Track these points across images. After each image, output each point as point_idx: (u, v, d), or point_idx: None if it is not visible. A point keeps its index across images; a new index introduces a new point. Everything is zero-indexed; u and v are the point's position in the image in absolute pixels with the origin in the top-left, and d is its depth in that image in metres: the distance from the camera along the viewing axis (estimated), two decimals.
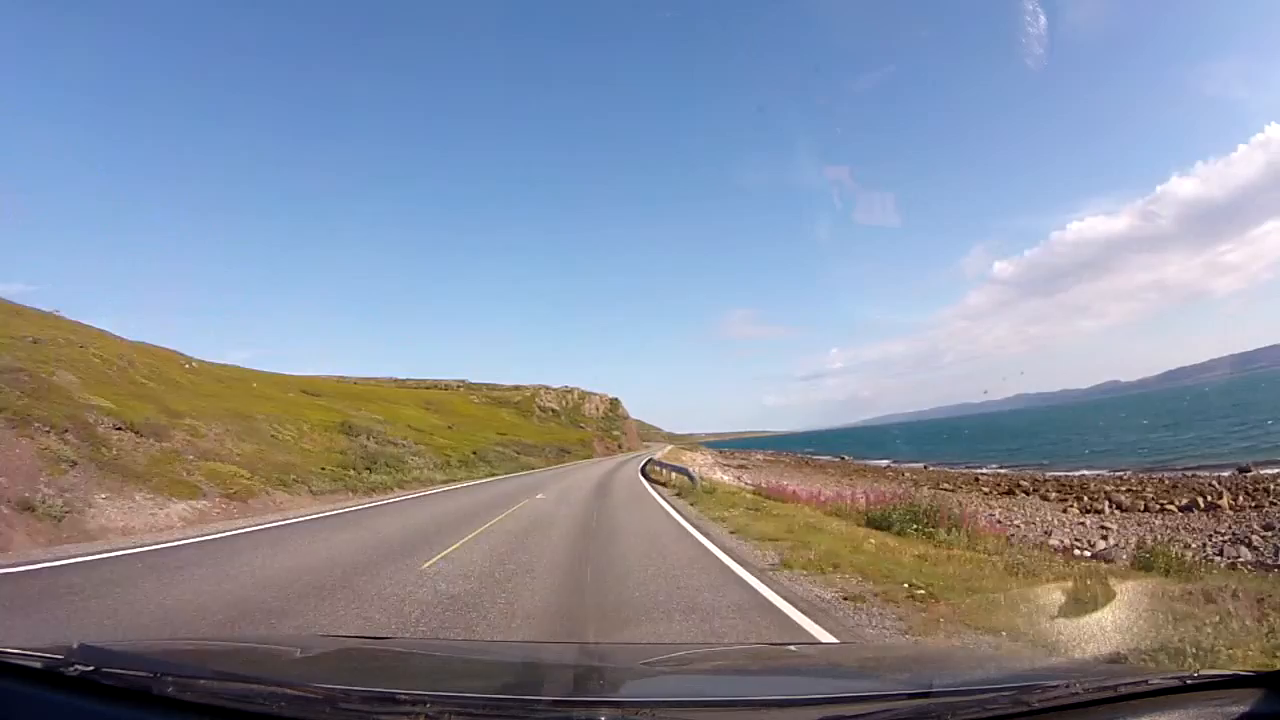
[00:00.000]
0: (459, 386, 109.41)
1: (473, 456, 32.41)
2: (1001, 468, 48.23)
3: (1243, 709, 1.33)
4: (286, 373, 64.82)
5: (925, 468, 54.11)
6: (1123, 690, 1.39)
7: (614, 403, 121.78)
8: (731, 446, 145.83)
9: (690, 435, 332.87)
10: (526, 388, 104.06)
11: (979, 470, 48.31)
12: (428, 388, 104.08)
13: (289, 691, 1.34)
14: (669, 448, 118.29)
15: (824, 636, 5.37)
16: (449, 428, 56.36)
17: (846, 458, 78.91)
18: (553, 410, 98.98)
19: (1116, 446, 53.98)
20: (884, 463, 65.71)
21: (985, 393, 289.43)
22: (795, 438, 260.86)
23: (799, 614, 6.10)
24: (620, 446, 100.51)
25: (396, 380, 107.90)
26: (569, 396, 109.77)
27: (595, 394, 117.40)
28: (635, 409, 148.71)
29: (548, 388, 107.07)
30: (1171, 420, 72.09)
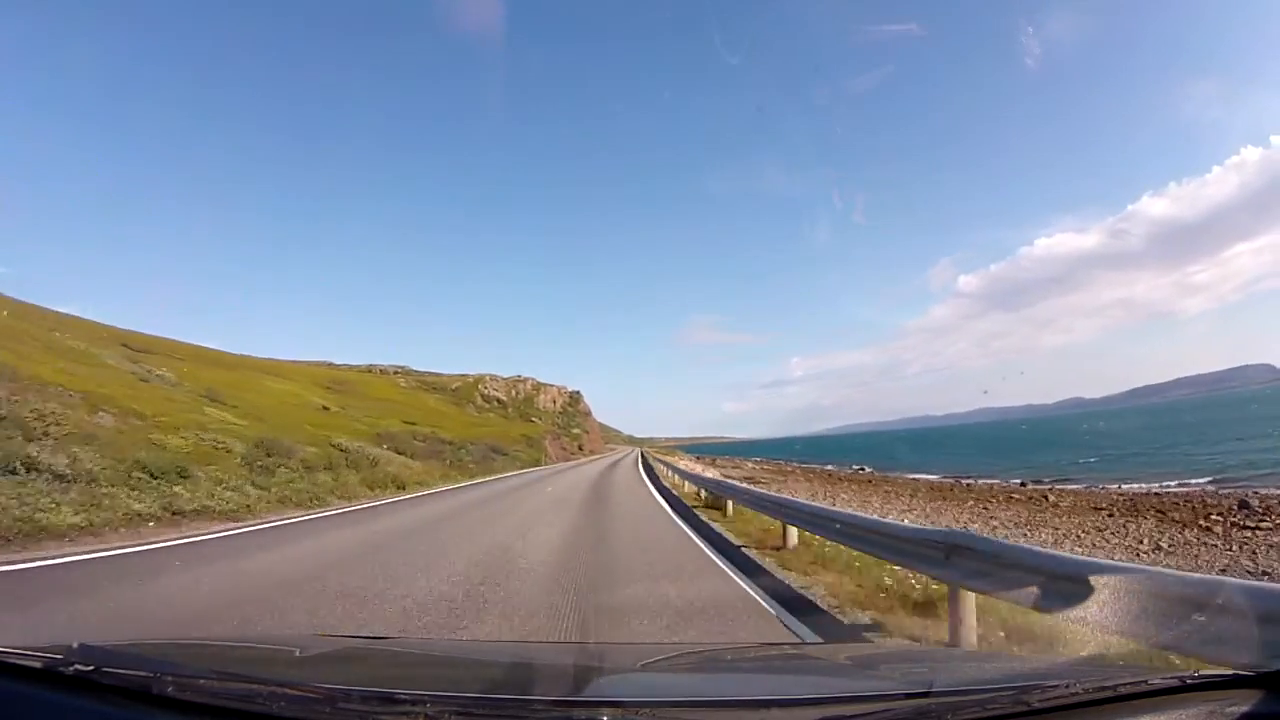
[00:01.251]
0: (395, 371, 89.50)
1: (253, 453, 13.83)
2: (1164, 486, 31.56)
3: (1243, 709, 1.31)
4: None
5: (1024, 484, 37.22)
6: (1123, 690, 1.36)
7: (574, 397, 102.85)
8: (698, 451, 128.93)
9: (652, 439, 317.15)
10: (470, 375, 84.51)
11: (1123, 487, 31.68)
12: (363, 371, 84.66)
13: (289, 691, 1.30)
14: (636, 450, 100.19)
15: None
16: (324, 409, 37.06)
17: (867, 468, 61.95)
18: (498, 401, 79.76)
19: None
20: (931, 477, 48.88)
21: (985, 393, 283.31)
22: (758, 445, 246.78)
23: None
24: (581, 448, 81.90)
25: (331, 364, 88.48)
26: (520, 386, 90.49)
27: (552, 386, 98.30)
28: (596, 411, 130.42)
29: (495, 376, 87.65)
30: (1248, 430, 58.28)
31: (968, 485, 38.44)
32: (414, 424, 39.77)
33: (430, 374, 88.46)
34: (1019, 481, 39.01)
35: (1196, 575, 4.10)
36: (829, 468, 67.17)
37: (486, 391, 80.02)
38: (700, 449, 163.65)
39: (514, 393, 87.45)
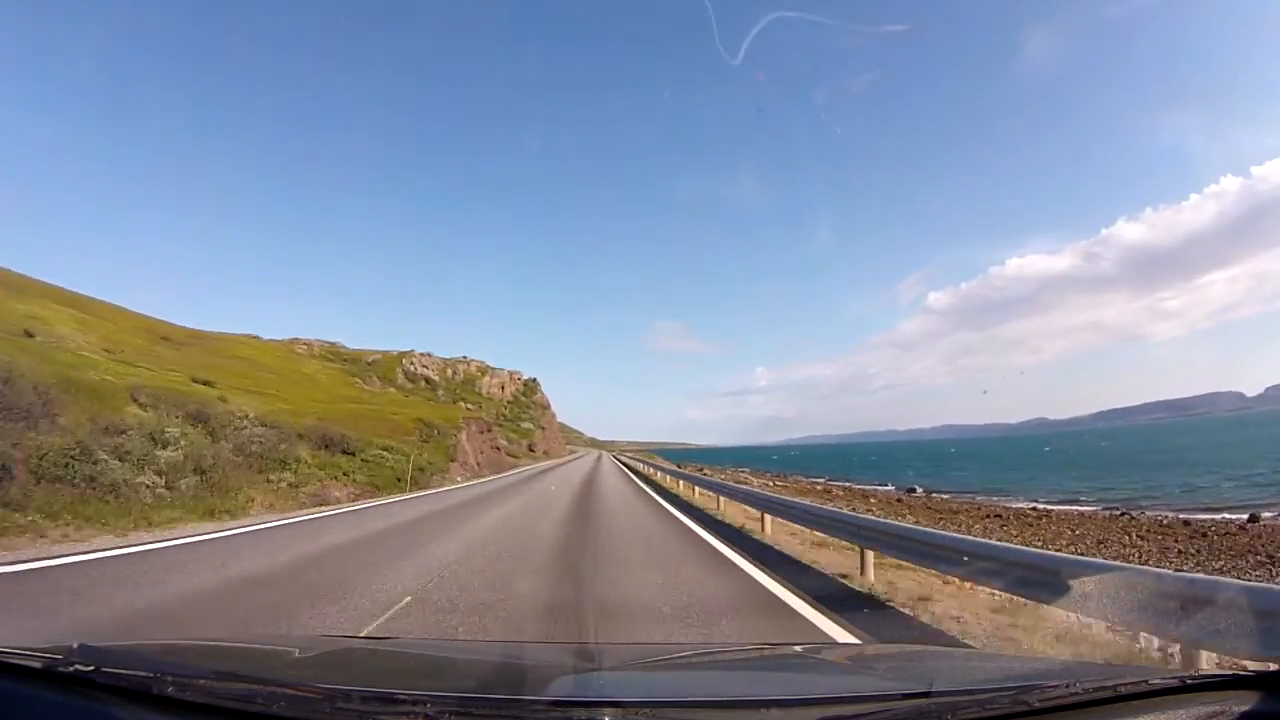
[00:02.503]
0: (319, 346, 69.92)
1: None
2: None
3: (1242, 709, 1.30)
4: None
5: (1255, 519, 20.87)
6: (1122, 690, 1.36)
7: (529, 385, 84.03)
8: (674, 458, 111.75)
9: (613, 441, 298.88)
10: (394, 351, 65.17)
11: None
12: (284, 344, 65.31)
13: (289, 691, 1.29)
14: (602, 454, 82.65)
15: None
16: (27, 335, 18.48)
17: (918, 489, 45.46)
18: (426, 380, 61.05)
19: None
20: (1072, 507, 32.49)
21: (985, 393, 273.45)
22: (724, 452, 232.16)
23: None
24: (532, 448, 63.57)
25: (257, 337, 68.88)
26: (458, 368, 71.54)
27: (501, 370, 79.31)
28: (557, 411, 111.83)
29: (428, 354, 68.40)
30: None
31: (1186, 523, 21.98)
32: (209, 384, 21.30)
33: (354, 349, 69.02)
34: (1227, 515, 22.93)
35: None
36: (851, 485, 50.85)
37: (412, 369, 61.13)
38: (668, 454, 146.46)
39: (450, 373, 68.66)
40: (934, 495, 41.15)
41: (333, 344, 76.42)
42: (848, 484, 51.26)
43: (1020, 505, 32.68)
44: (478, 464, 34.68)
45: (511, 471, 37.93)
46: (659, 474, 36.40)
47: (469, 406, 56.38)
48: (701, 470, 47.72)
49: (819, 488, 44.21)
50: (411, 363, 61.61)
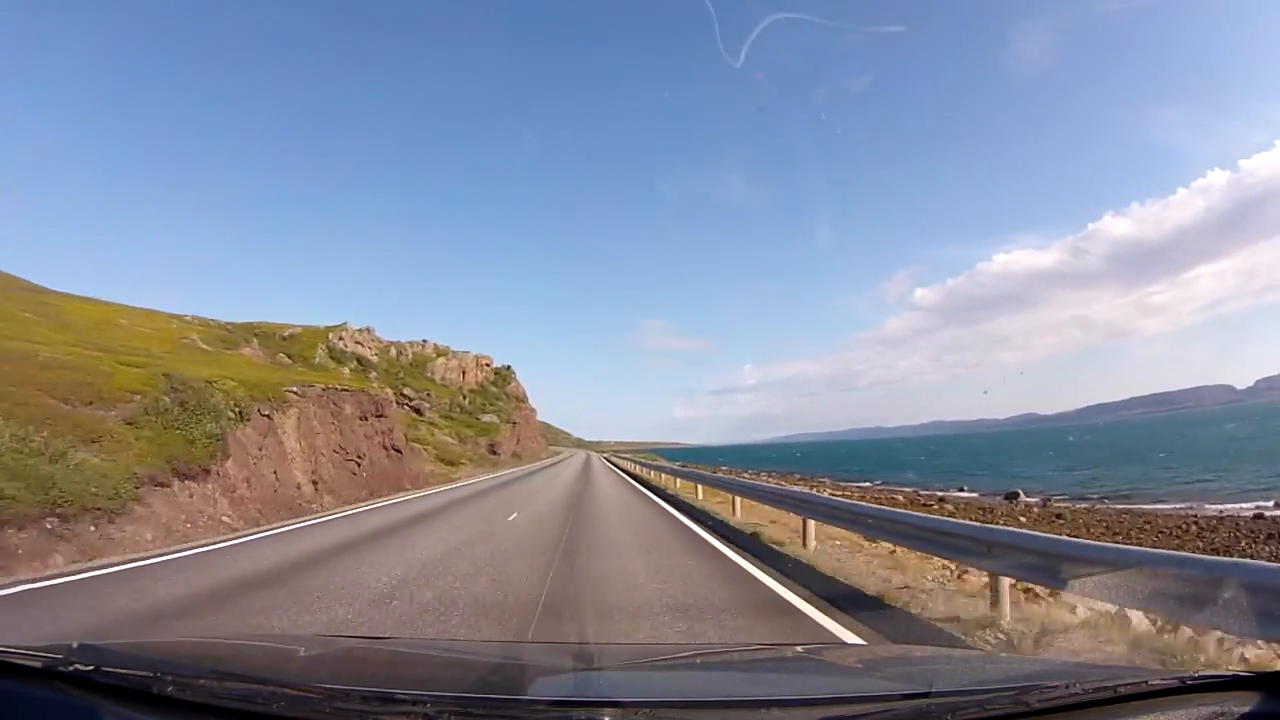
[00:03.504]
0: (230, 324, 56.39)
1: None
2: None
3: (1242, 709, 1.29)
4: None
5: None
6: (1122, 691, 1.35)
7: (501, 374, 71.17)
8: (673, 457, 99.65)
9: (600, 442, 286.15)
10: (319, 327, 51.78)
11: None
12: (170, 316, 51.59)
13: (289, 691, 1.29)
14: (591, 455, 70.45)
15: None
16: None
17: (1021, 496, 33.42)
18: (359, 360, 48.26)
19: None
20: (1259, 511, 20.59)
21: (985, 392, 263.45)
22: (713, 451, 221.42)
23: None
24: (495, 450, 50.82)
25: (180, 317, 54.87)
26: (406, 348, 58.76)
27: (463, 353, 66.04)
28: (541, 410, 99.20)
29: (367, 330, 54.79)
30: None
31: None
32: None
33: (273, 324, 55.28)
34: None
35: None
36: (921, 492, 39.11)
37: (341, 346, 48.36)
38: (662, 454, 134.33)
39: (395, 354, 56.02)
40: (1051, 503, 29.39)
41: (254, 322, 62.58)
42: (914, 489, 39.22)
43: (1211, 512, 20.95)
44: (312, 483, 17.24)
45: (376, 505, 17.39)
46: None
47: (418, 393, 44.05)
48: (715, 472, 35.57)
49: (899, 499, 31.83)
50: (341, 338, 48.83)
